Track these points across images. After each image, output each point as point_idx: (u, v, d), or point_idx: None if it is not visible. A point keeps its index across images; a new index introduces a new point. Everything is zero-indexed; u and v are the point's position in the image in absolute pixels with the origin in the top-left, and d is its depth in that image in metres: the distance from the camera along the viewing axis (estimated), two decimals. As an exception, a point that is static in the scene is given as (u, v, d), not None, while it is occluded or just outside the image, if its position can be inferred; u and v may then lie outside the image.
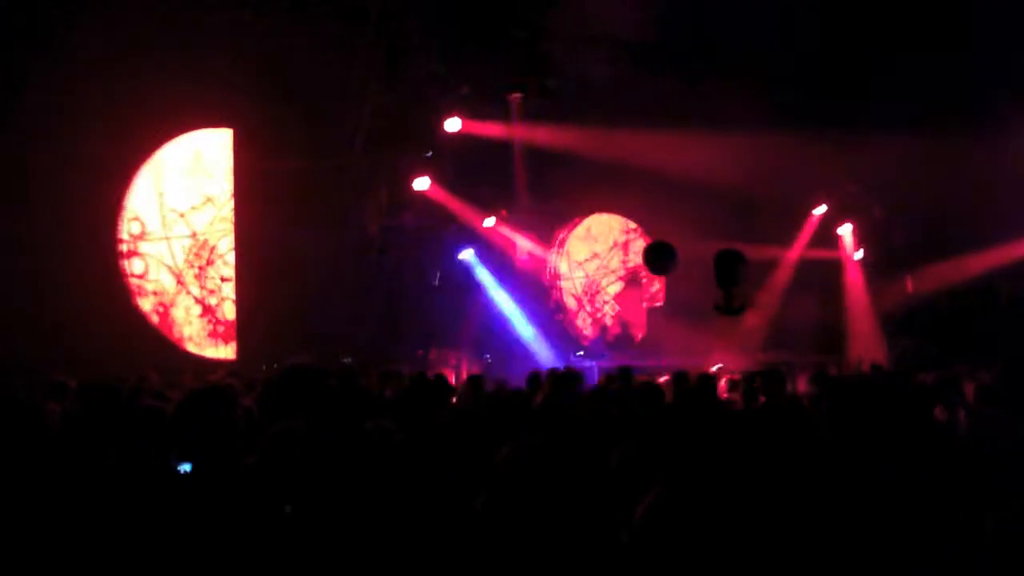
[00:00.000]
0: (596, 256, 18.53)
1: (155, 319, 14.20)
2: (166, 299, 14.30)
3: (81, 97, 12.63)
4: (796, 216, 17.07)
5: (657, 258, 12.73)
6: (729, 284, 10.84)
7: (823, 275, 17.06)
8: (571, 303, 18.37)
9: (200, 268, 14.51)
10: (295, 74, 13.28)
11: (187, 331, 14.44)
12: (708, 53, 14.35)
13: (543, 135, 15.57)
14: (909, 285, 15.70)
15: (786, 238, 17.14)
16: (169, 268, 14.37)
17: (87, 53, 12.34)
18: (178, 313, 14.37)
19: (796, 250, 17.14)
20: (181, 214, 14.49)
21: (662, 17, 13.94)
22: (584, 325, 18.30)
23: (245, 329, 14.30)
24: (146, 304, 14.17)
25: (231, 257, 14.55)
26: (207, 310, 14.54)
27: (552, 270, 18.25)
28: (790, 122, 13.74)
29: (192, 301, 14.48)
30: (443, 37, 14.41)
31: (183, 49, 12.78)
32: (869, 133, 13.23)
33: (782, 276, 17.08)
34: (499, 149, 15.82)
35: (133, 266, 14.18)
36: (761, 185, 15.30)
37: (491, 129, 15.22)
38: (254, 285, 14.17)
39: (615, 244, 18.57)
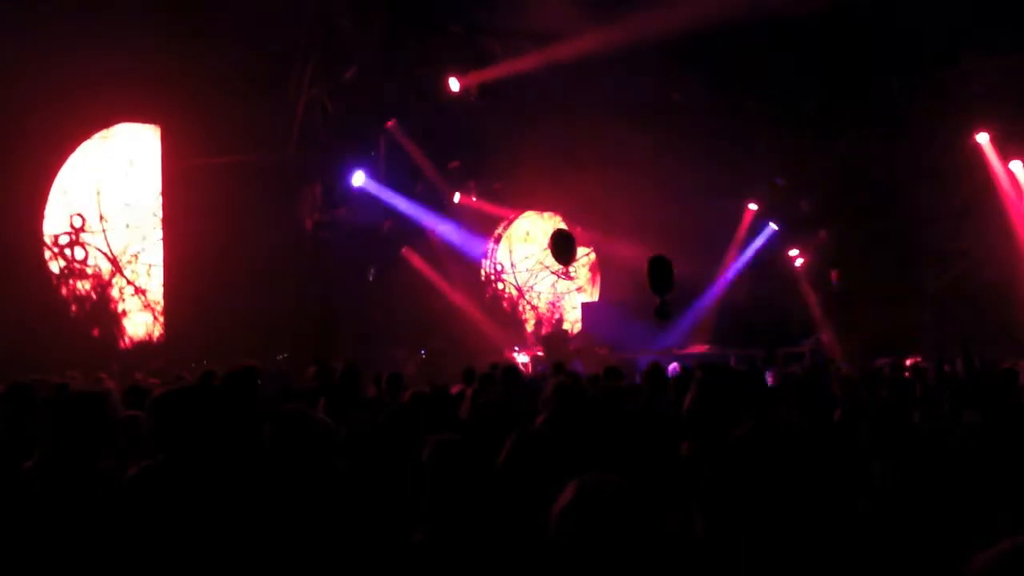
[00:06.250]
0: (532, 255, 18.71)
1: (84, 309, 13.87)
2: (94, 296, 13.97)
3: (3, 91, 12.26)
4: (733, 212, 17.29)
5: (561, 247, 12.66)
6: (663, 291, 11.01)
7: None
8: (512, 294, 18.50)
9: (133, 257, 14.22)
10: (226, 69, 13.08)
11: (117, 330, 14.14)
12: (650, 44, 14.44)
13: (480, 129, 15.60)
14: (834, 277, 16.11)
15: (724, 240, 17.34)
16: (106, 255, 14.04)
17: (11, 47, 11.99)
18: (108, 310, 14.06)
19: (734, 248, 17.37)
20: (114, 208, 14.15)
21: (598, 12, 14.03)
22: (528, 319, 18.45)
23: (173, 326, 14.09)
24: (83, 286, 13.84)
25: (159, 249, 14.31)
26: (138, 292, 14.27)
27: (493, 263, 18.34)
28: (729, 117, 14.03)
29: (125, 286, 14.18)
30: (379, 33, 14.33)
31: (108, 44, 12.47)
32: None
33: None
34: (436, 144, 15.80)
35: (75, 254, 13.84)
36: (700, 182, 15.48)
37: (427, 124, 15.17)
38: (184, 279, 13.94)
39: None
